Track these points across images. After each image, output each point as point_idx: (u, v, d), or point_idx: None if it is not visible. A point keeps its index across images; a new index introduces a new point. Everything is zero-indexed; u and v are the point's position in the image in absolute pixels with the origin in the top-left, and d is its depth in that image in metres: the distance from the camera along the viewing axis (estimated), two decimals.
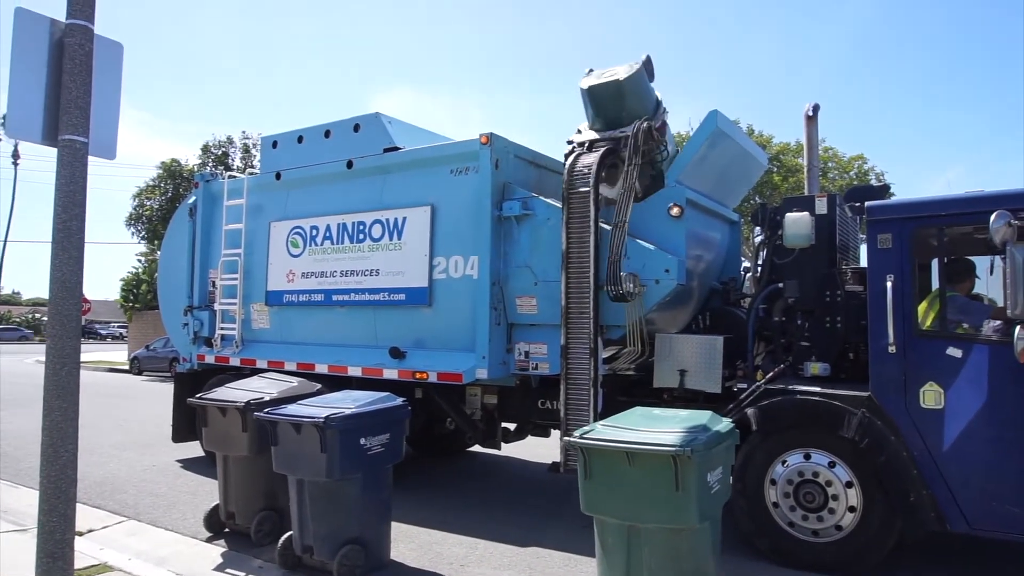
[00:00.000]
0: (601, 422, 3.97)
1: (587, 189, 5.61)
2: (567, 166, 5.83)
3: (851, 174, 26.71)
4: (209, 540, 5.40)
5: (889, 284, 4.68)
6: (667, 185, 5.80)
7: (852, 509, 4.68)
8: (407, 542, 5.36)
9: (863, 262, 5.38)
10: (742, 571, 4.77)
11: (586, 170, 5.68)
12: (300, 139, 7.81)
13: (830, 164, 26.58)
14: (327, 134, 7.55)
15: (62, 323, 3.82)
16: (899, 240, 4.75)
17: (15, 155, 26.72)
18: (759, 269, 5.84)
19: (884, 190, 5.90)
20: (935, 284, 5.07)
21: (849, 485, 4.69)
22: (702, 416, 3.85)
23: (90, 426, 10.35)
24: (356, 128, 7.33)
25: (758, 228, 5.90)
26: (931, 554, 5.18)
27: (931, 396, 4.55)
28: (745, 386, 5.28)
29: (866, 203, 5.04)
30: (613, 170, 5.86)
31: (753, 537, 5.02)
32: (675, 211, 5.64)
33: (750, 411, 5.05)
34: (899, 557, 4.91)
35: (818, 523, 4.78)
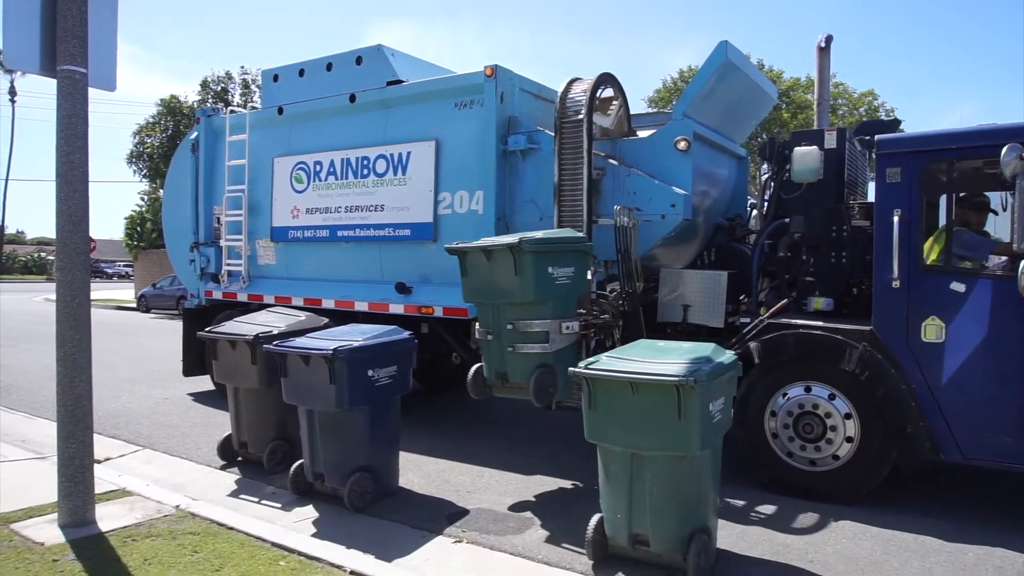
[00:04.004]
0: (605, 354, 4.03)
1: (580, 117, 5.52)
2: (560, 93, 5.71)
3: (861, 110, 26.25)
4: (223, 468, 5.57)
5: (896, 219, 4.66)
6: (674, 118, 5.72)
7: (849, 440, 4.79)
8: (415, 471, 5.51)
9: (871, 198, 5.34)
10: (741, 498, 4.92)
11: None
12: (302, 72, 7.67)
13: (840, 100, 26.10)
14: (329, 67, 7.42)
15: (71, 255, 3.86)
16: (908, 174, 4.71)
17: (12, 92, 26.39)
18: (765, 204, 5.81)
19: (895, 125, 5.80)
20: (943, 219, 5.05)
21: (848, 417, 4.78)
22: (705, 348, 3.89)
23: (100, 362, 10.42)
24: (358, 61, 7.20)
25: (766, 163, 5.84)
26: (924, 486, 5.32)
27: (932, 330, 4.59)
28: (748, 321, 5.32)
29: (876, 136, 4.98)
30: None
31: (752, 466, 5.15)
32: (682, 145, 5.57)
33: (752, 344, 5.11)
34: (892, 490, 5.04)
35: (816, 453, 4.90)
